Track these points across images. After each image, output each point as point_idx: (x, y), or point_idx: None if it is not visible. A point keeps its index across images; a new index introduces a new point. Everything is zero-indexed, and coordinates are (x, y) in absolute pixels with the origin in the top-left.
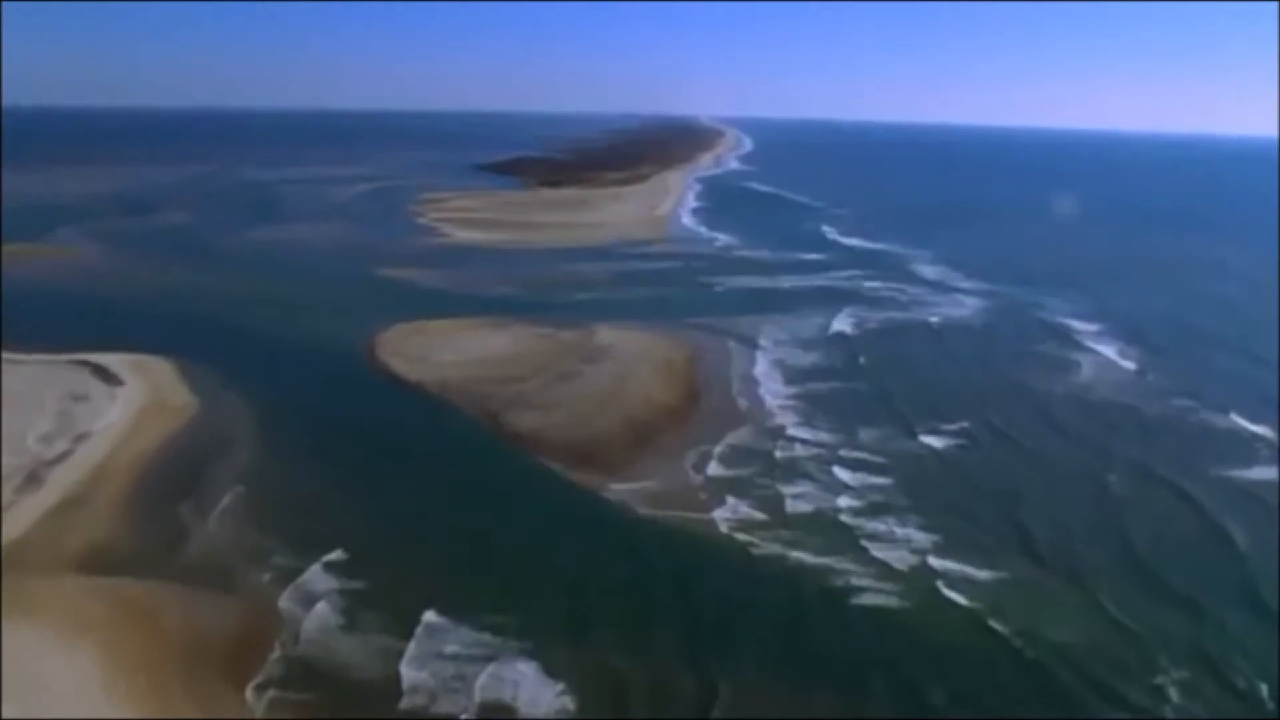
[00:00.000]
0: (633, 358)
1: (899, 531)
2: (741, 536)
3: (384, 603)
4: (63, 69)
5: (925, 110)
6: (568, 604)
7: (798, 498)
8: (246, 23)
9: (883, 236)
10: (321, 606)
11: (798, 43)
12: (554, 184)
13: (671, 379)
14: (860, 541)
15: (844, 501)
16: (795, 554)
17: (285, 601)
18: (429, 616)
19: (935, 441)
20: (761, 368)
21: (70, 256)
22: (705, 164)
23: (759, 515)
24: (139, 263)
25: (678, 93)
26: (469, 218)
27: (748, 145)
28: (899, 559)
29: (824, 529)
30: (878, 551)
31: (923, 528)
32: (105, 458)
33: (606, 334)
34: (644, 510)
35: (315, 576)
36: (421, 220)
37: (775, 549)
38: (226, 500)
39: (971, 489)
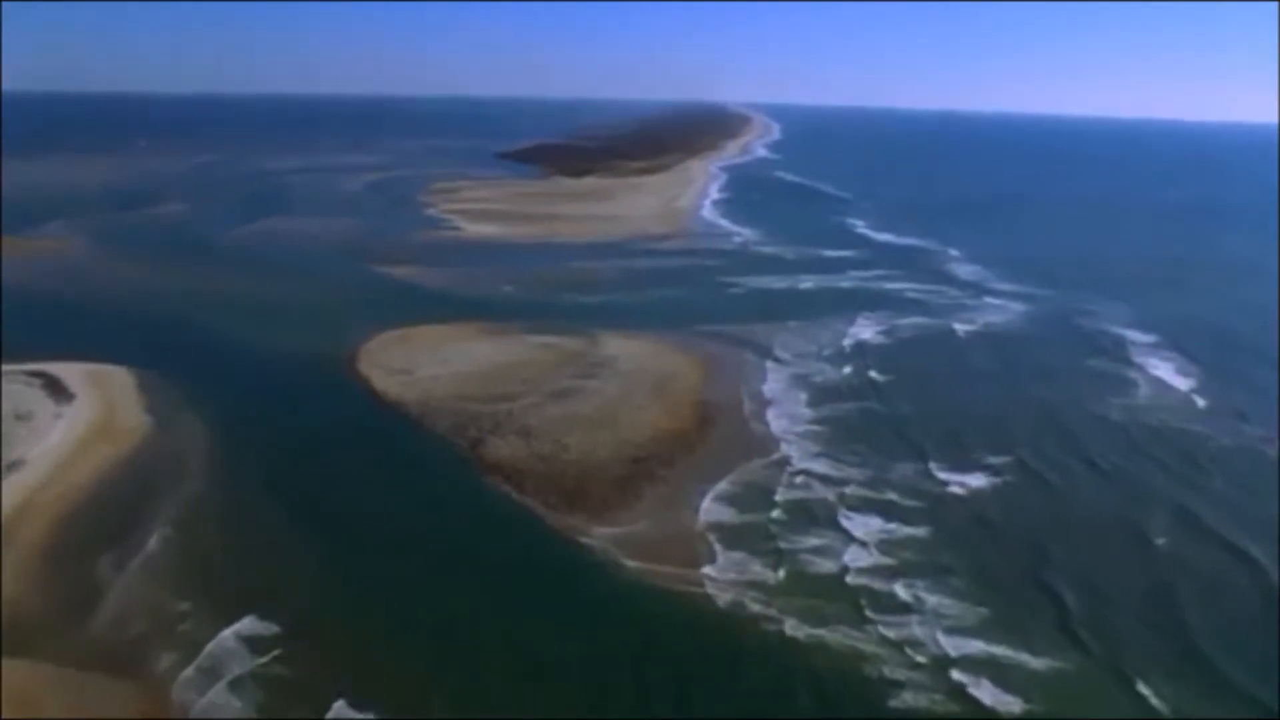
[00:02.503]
0: (637, 372)
1: (915, 601)
2: (730, 601)
3: (291, 686)
4: (67, 55)
5: (948, 98)
6: (500, 690)
7: (802, 553)
8: (266, 5)
9: (913, 231)
10: (218, 692)
11: (828, 29)
12: (573, 173)
13: (677, 399)
14: (867, 613)
15: (856, 559)
16: (788, 628)
17: (181, 685)
18: (339, 709)
19: (970, 480)
20: (779, 385)
21: (56, 251)
22: (731, 152)
23: (754, 574)
24: (126, 259)
25: (707, 79)
26: (481, 209)
27: (776, 132)
28: (912, 640)
29: (828, 595)
30: (888, 629)
31: (945, 597)
32: (32, 494)
33: (611, 343)
34: (624, 562)
35: (222, 650)
36: (431, 212)
37: (766, 620)
38: (151, 547)
39: (1006, 547)
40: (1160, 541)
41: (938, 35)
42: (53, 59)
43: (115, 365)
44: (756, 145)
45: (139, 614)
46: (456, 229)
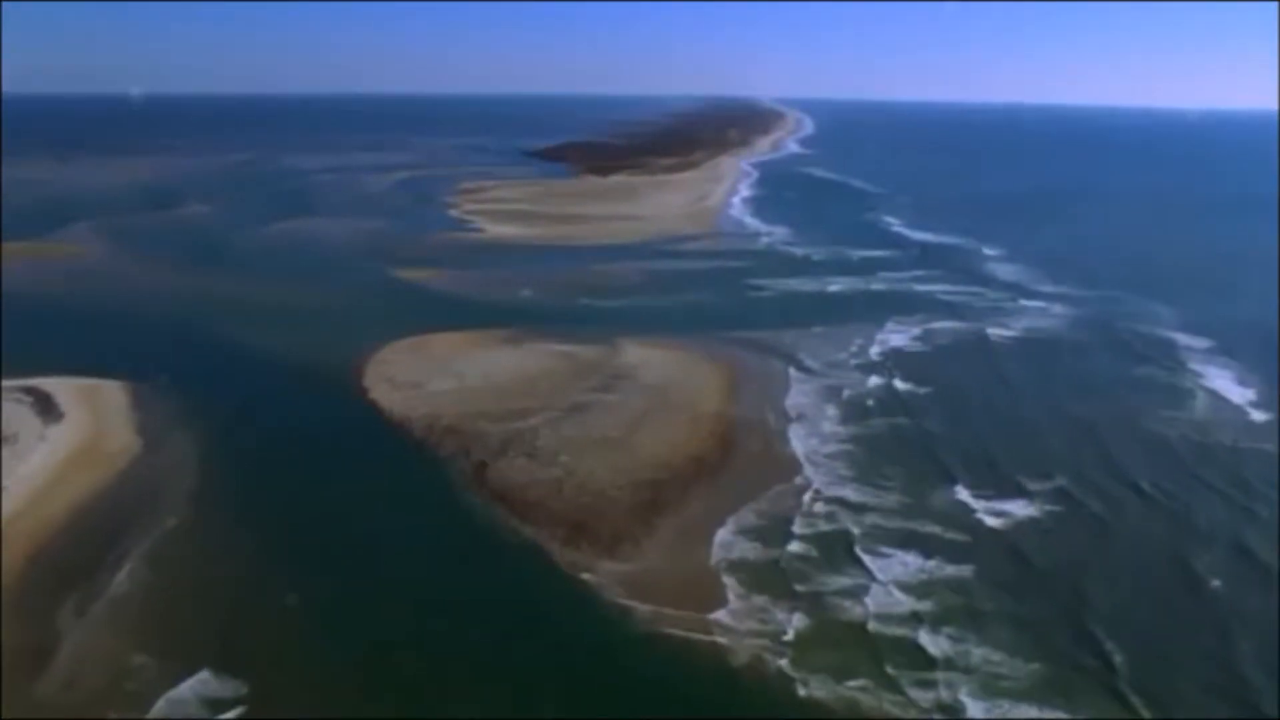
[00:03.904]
0: (657, 385)
1: (946, 656)
2: (742, 653)
3: None
4: (106, 57)
5: (983, 91)
6: None
7: (824, 596)
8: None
9: (950, 229)
10: None
11: (861, 23)
12: (602, 171)
13: (697, 416)
14: (893, 670)
15: (882, 604)
16: (806, 687)
17: None
18: None
19: (1007, 510)
20: (805, 399)
21: (72, 256)
22: (763, 148)
23: (771, 621)
24: (142, 264)
25: (740, 74)
26: (505, 209)
27: (809, 128)
28: (943, 704)
29: (851, 647)
30: (916, 688)
31: (979, 651)
32: (5, 525)
33: (632, 351)
34: (628, 604)
35: (173, 706)
36: (454, 213)
37: (782, 677)
38: (116, 590)
39: (1047, 591)
40: (1216, 584)
41: (972, 29)
42: (80, 59)
43: (111, 380)
44: (789, 141)
45: (92, 668)
46: (478, 230)
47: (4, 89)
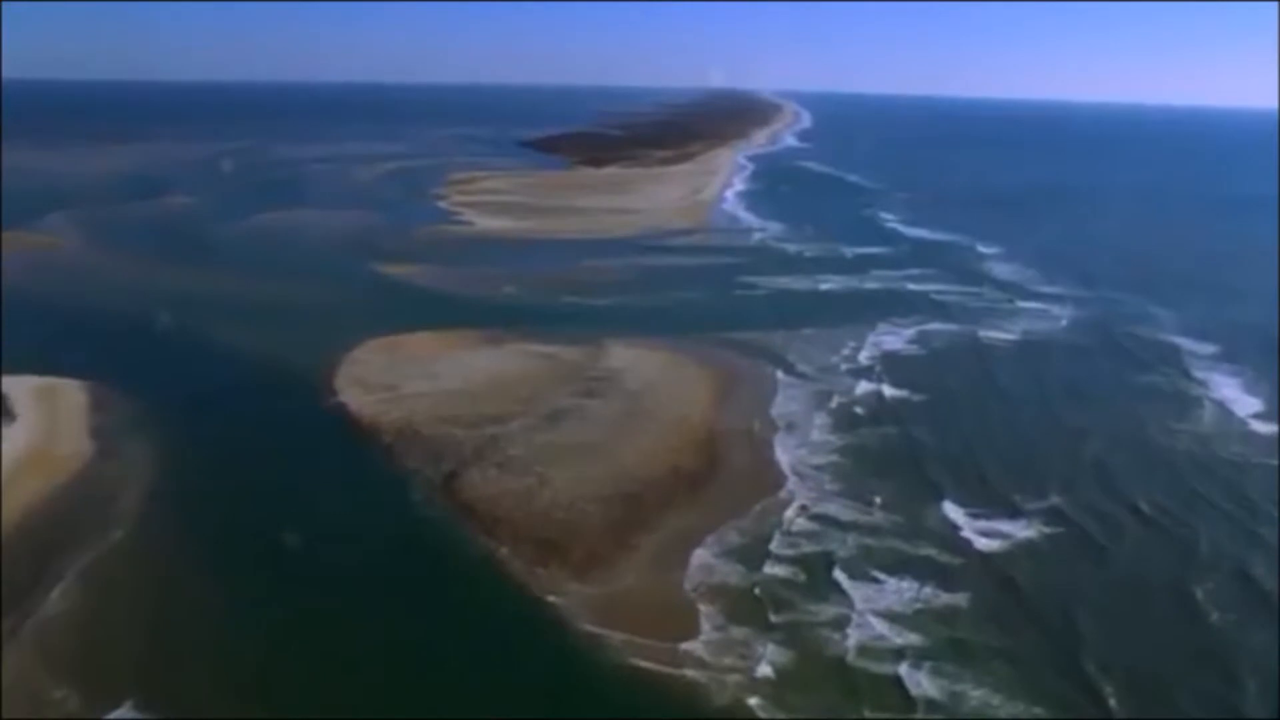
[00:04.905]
0: (641, 390)
1: (928, 697)
2: (709, 686)
3: None
4: (95, 44)
5: (985, 87)
6: None
7: (805, 626)
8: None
9: (949, 226)
10: None
11: (862, 17)
12: (596, 162)
13: (682, 423)
14: (866, 715)
15: (866, 636)
16: None
17: None
18: None
19: (1000, 531)
20: (795, 405)
21: (43, 247)
22: (760, 141)
23: (746, 653)
24: (117, 257)
25: (740, 67)
26: (495, 201)
27: (807, 120)
28: None
29: (824, 683)
30: None
31: (966, 690)
32: None
33: (619, 353)
34: (594, 631)
35: None
36: (443, 204)
37: (746, 716)
38: (46, 613)
39: (1040, 624)
40: (1217, 617)
41: (971, 24)
42: (72, 46)
43: (72, 379)
44: (786, 134)
45: (11, 700)
46: (466, 223)
47: (3, 75)
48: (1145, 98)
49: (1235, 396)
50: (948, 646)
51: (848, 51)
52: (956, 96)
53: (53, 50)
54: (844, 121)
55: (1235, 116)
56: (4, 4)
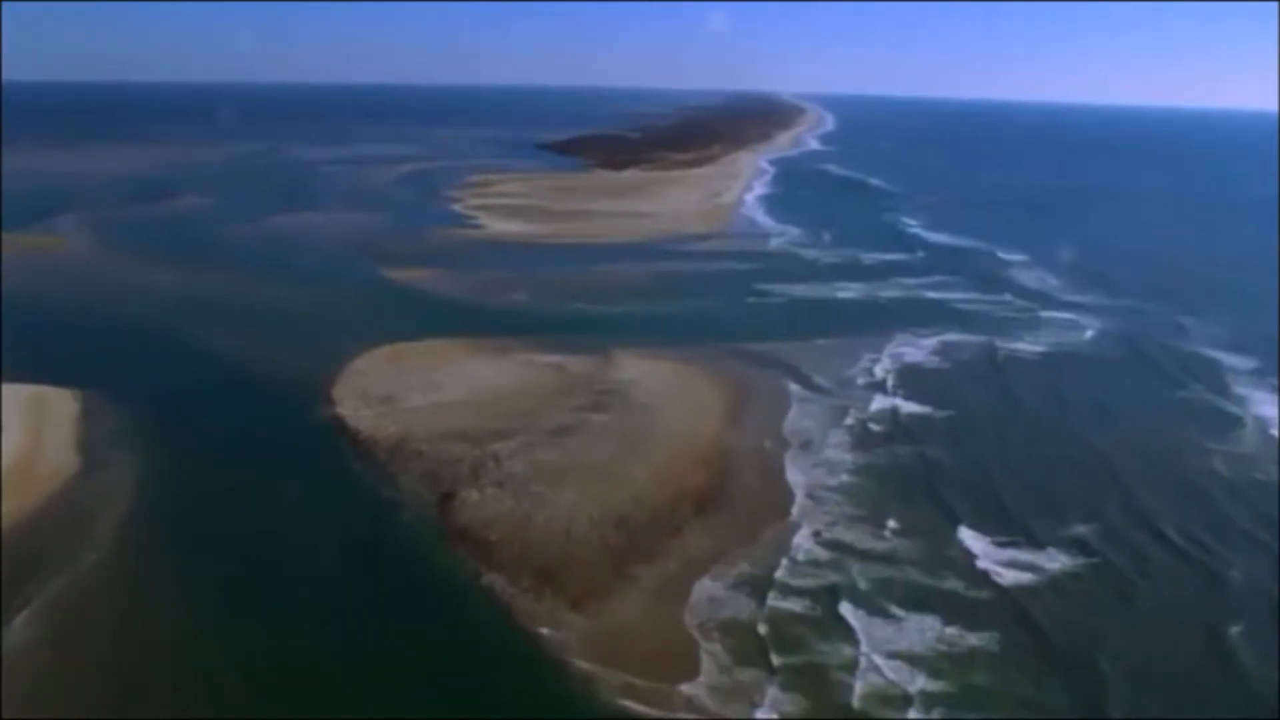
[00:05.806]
0: (649, 405)
1: None
2: None
3: None
4: (120, 44)
5: (1008, 89)
6: None
7: (809, 670)
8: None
9: (972, 232)
10: None
11: (886, 18)
12: (615, 165)
13: (691, 440)
14: None
15: (872, 682)
16: None
17: None
18: None
19: (1025, 560)
20: (809, 422)
21: (48, 250)
22: (782, 144)
23: (744, 697)
24: (122, 260)
25: (762, 69)
26: (510, 204)
27: (830, 123)
28: None
29: None
30: None
31: None
32: None
33: (627, 364)
34: (587, 669)
35: None
36: (456, 207)
37: None
38: (13, 636)
39: (1063, 671)
40: (1252, 663)
41: (1000, 26)
42: (84, 48)
43: (65, 388)
44: (808, 137)
45: None
46: (479, 227)
47: (5, 76)
48: (1145, 98)
49: (1276, 415)
50: (962, 694)
51: (875, 54)
52: (985, 99)
53: (58, 52)
54: (869, 124)
55: (1244, 119)
56: (4, 4)
